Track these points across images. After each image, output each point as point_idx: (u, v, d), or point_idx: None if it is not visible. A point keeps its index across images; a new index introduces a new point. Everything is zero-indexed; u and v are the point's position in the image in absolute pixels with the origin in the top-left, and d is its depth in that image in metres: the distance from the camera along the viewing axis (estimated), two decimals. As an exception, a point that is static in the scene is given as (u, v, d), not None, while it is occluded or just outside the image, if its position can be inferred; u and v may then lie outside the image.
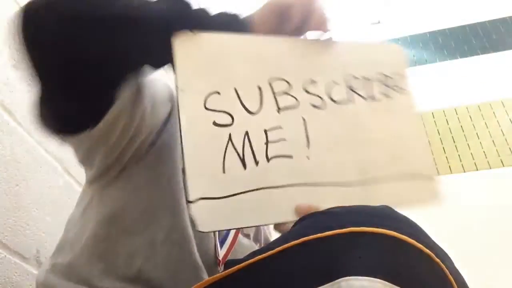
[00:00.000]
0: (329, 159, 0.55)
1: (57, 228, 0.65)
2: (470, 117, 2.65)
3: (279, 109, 0.54)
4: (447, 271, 0.33)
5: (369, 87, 0.61)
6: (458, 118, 2.66)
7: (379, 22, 3.69)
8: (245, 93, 0.53)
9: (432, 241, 0.36)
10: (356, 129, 0.59)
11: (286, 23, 0.56)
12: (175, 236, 0.59)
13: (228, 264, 0.37)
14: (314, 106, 0.57)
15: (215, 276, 0.37)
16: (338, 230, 0.33)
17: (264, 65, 0.55)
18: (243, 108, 0.52)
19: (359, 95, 0.60)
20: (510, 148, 2.45)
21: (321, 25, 0.58)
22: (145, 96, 0.59)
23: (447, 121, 2.66)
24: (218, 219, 0.48)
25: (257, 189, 0.50)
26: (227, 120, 0.51)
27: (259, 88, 0.54)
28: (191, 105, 0.50)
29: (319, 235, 0.34)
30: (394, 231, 0.33)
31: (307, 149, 0.54)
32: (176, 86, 0.50)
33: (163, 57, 0.53)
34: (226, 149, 0.50)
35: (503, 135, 2.52)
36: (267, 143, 0.52)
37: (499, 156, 2.43)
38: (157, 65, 0.56)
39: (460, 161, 2.45)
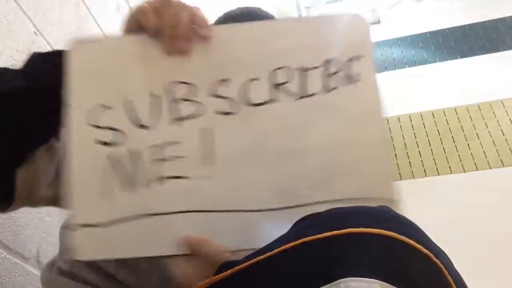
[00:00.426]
0: (238, 180, 0.44)
1: (57, 228, 0.65)
2: (470, 117, 2.65)
3: (177, 120, 0.45)
4: (446, 272, 0.33)
5: (302, 79, 0.46)
6: (458, 118, 2.66)
7: (379, 22, 3.69)
8: (139, 104, 0.45)
9: (432, 242, 0.36)
10: (280, 138, 0.45)
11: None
12: None
13: (226, 266, 0.37)
14: (222, 112, 0.45)
15: (213, 278, 0.37)
16: (337, 231, 0.33)
17: (162, 67, 0.47)
18: (134, 122, 0.45)
19: (287, 91, 0.46)
20: (510, 148, 2.45)
21: (185, 31, 0.46)
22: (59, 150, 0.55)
23: (447, 121, 2.66)
24: (99, 247, 0.43)
25: (144, 215, 0.43)
26: (116, 137, 0.45)
27: (155, 97, 0.46)
28: (77, 121, 0.45)
29: (318, 236, 0.34)
30: (393, 231, 0.33)
31: (209, 168, 0.44)
32: (64, 102, 0.45)
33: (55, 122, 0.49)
34: (112, 170, 0.44)
35: (503, 135, 2.52)
36: (161, 161, 0.44)
37: (499, 156, 2.43)
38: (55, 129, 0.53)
39: (460, 161, 2.45)
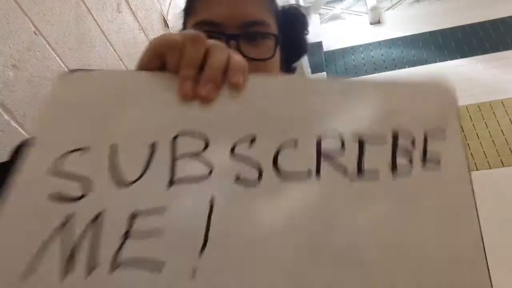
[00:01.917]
0: (236, 281, 0.29)
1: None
2: (470, 117, 2.65)
3: (172, 182, 0.32)
4: None
5: (360, 154, 0.33)
6: (458, 118, 2.66)
7: (379, 22, 3.70)
8: (127, 153, 0.33)
9: None
10: (314, 228, 0.31)
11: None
12: None
13: None
14: (239, 180, 0.32)
15: None
16: None
17: (173, 112, 0.35)
18: (110, 174, 0.32)
19: (337, 166, 0.33)
20: (510, 148, 2.45)
21: (219, 75, 0.37)
22: None
23: (447, 121, 2.66)
24: None
25: None
26: (78, 191, 0.32)
27: (152, 147, 0.34)
28: (34, 165, 0.33)
29: None
30: None
31: (196, 257, 0.29)
32: (29, 140, 0.35)
33: None
34: (51, 238, 0.30)
35: (503, 135, 2.52)
36: (126, 235, 0.30)
37: (499, 156, 2.43)
38: None
39: (460, 161, 2.45)
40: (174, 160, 0.33)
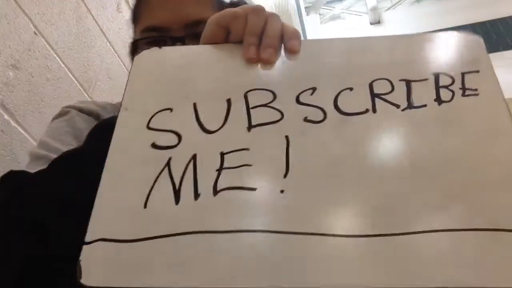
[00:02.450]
0: (320, 197, 0.35)
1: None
2: (470, 117, 2.65)
3: (250, 126, 0.39)
4: None
5: (408, 90, 0.40)
6: (458, 118, 2.66)
7: (379, 22, 3.70)
8: (207, 108, 0.40)
9: None
10: (378, 152, 0.37)
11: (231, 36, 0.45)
12: None
13: None
14: (305, 119, 0.38)
15: None
16: None
17: (241, 74, 0.42)
18: (197, 125, 0.39)
19: (390, 102, 0.39)
20: (510, 148, 2.45)
21: (278, 40, 0.43)
22: None
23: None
24: (117, 270, 0.33)
25: (186, 233, 0.34)
26: (173, 140, 0.38)
27: (228, 102, 0.40)
28: (130, 125, 0.40)
29: None
30: None
31: (282, 180, 0.35)
32: (121, 105, 0.41)
33: None
34: (158, 177, 0.36)
35: (503, 135, 2.52)
36: (220, 170, 0.36)
37: (499, 156, 2.43)
38: None
39: (460, 161, 2.45)
40: (248, 110, 0.40)
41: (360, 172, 0.35)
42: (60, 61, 0.97)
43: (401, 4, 3.70)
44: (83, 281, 0.32)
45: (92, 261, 0.33)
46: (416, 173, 0.35)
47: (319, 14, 4.00)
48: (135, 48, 0.65)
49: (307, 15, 3.92)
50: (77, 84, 1.02)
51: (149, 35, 0.62)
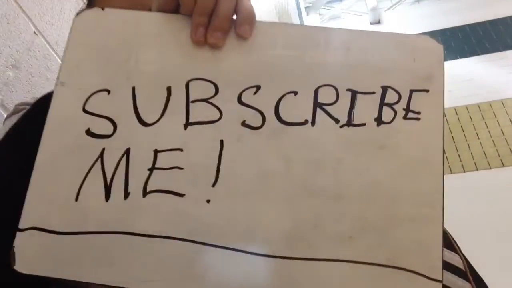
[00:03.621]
0: (243, 211, 0.35)
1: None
2: (470, 117, 2.65)
3: (187, 123, 0.38)
4: None
5: (352, 104, 0.38)
6: (458, 118, 2.66)
7: (379, 22, 3.70)
8: (145, 96, 0.38)
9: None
10: (307, 170, 0.36)
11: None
12: None
13: None
14: (243, 123, 0.37)
15: None
16: None
17: (185, 58, 0.39)
18: (134, 115, 0.38)
19: (329, 115, 0.38)
20: (510, 148, 2.45)
21: (228, 20, 0.39)
22: None
23: (447, 121, 2.66)
24: (47, 260, 0.34)
25: (112, 232, 0.35)
26: (108, 129, 0.37)
27: (168, 90, 0.38)
28: (67, 104, 0.38)
29: None
30: None
31: (210, 188, 0.36)
32: (57, 78, 0.39)
33: None
34: (90, 169, 0.36)
35: (503, 135, 2.52)
36: (151, 169, 0.36)
37: (499, 156, 2.43)
38: None
39: (460, 161, 2.45)
40: (188, 103, 0.38)
41: (286, 190, 0.36)
42: (60, 61, 0.97)
43: (401, 4, 3.70)
44: (18, 267, 0.34)
45: (25, 249, 0.34)
46: (339, 197, 0.36)
47: (319, 14, 4.00)
48: None
49: (307, 15, 3.92)
50: (77, 84, 1.02)
51: None
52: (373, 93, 0.38)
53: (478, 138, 2.54)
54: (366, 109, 0.38)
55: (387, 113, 0.38)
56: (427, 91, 0.38)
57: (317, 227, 0.35)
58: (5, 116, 0.83)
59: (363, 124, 0.37)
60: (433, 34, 3.33)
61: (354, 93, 0.38)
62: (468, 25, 3.24)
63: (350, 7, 3.97)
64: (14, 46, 0.85)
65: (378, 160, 0.36)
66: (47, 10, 0.96)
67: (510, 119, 2.58)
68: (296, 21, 3.30)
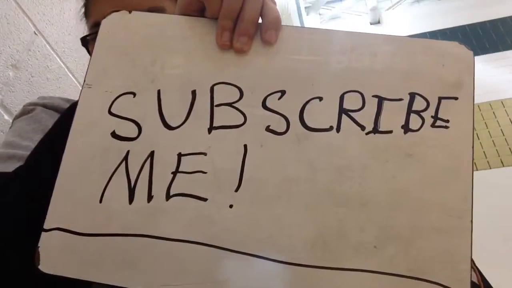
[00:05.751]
0: (266, 217, 0.35)
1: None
2: (470, 117, 2.65)
3: (211, 128, 0.37)
4: None
5: (378, 110, 0.37)
6: (458, 118, 2.66)
7: (379, 22, 3.70)
8: (171, 99, 0.38)
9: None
10: (331, 177, 0.36)
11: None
12: None
13: None
14: (268, 129, 0.37)
15: None
16: None
17: (210, 62, 0.39)
18: (159, 118, 0.38)
19: (355, 121, 0.37)
20: (510, 148, 2.45)
21: (253, 24, 0.39)
22: None
23: (447, 121, 2.66)
24: (70, 261, 0.35)
25: (135, 235, 0.35)
26: (133, 132, 0.37)
27: (193, 94, 0.38)
28: (93, 106, 0.38)
29: None
30: None
31: (233, 193, 0.35)
32: (84, 81, 0.40)
33: None
34: (115, 171, 0.36)
35: (503, 135, 2.52)
36: (175, 173, 0.36)
37: (499, 156, 2.43)
38: None
39: (460, 161, 2.45)
40: (212, 108, 0.38)
41: (309, 197, 0.35)
42: (60, 61, 0.97)
43: (401, 4, 3.70)
44: (42, 267, 0.35)
45: (50, 249, 0.35)
46: (364, 205, 0.35)
47: (319, 14, 4.00)
48: (85, 45, 0.62)
49: (307, 15, 3.92)
50: (77, 84, 1.02)
51: (97, 30, 0.59)
52: (401, 99, 0.37)
53: (478, 138, 2.54)
54: (393, 116, 0.37)
55: (414, 121, 0.37)
56: (456, 98, 0.37)
57: (341, 236, 0.34)
58: (5, 116, 0.83)
59: (389, 131, 0.37)
60: (433, 34, 3.34)
61: (380, 100, 0.37)
62: (468, 25, 3.24)
63: (350, 7, 3.97)
64: (14, 46, 0.85)
65: (405, 168, 0.36)
66: (47, 10, 0.96)
67: (510, 119, 2.58)
68: (296, 21, 3.30)
